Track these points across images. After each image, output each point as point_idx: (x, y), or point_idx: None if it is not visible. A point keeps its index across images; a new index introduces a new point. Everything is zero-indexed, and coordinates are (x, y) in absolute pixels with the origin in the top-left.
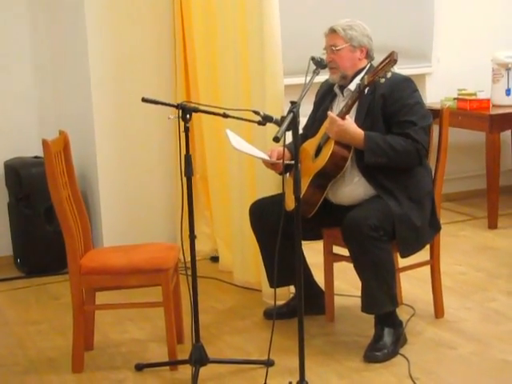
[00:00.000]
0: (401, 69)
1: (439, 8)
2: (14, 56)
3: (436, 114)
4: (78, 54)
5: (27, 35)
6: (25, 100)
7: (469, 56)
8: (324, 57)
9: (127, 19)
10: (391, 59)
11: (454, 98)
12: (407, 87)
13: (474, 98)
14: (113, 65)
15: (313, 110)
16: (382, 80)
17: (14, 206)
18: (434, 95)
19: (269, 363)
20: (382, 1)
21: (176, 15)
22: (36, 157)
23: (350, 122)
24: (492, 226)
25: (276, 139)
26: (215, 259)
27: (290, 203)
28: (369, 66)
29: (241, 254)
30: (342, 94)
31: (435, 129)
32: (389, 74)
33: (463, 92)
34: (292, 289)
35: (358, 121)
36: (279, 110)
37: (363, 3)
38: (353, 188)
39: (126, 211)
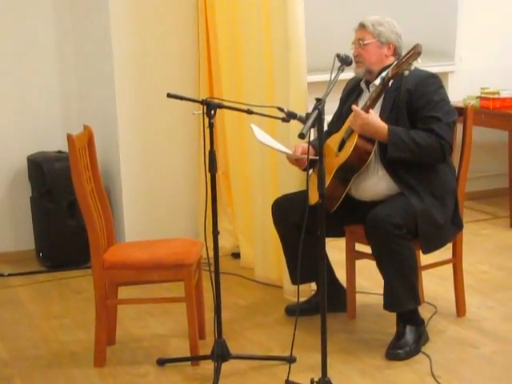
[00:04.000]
0: (423, 67)
1: (462, 6)
2: (38, 51)
3: (459, 112)
4: (102, 49)
5: (52, 31)
6: (48, 95)
7: (492, 55)
8: (351, 52)
9: (151, 14)
10: (415, 51)
11: (477, 97)
12: (433, 83)
13: (496, 96)
14: (136, 60)
15: (339, 106)
16: (406, 72)
17: (37, 200)
18: (456, 94)
19: (291, 359)
20: None
21: (200, 10)
22: (59, 151)
23: (373, 116)
24: None
25: (301, 136)
26: (236, 255)
27: (313, 198)
28: (396, 62)
29: (262, 251)
30: (368, 89)
31: (459, 127)
32: (413, 67)
33: (486, 91)
34: (313, 286)
35: (383, 115)
36: (303, 106)
37: (388, 1)
38: (375, 182)
39: (148, 207)
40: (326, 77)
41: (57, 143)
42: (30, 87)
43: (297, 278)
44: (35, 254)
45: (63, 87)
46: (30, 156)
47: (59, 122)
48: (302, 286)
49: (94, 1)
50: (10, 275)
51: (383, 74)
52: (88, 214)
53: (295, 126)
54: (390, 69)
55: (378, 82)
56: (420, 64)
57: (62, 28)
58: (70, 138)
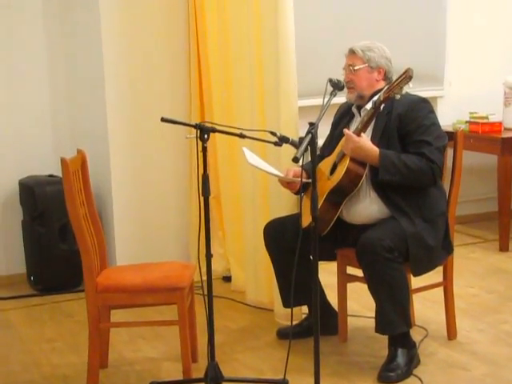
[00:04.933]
0: (412, 92)
1: (451, 32)
2: (29, 75)
3: (449, 136)
4: (94, 73)
5: (44, 54)
6: (40, 119)
7: (480, 79)
8: (342, 78)
9: (143, 39)
10: (406, 75)
11: (466, 121)
12: (423, 108)
13: (485, 121)
14: (128, 84)
15: (330, 131)
16: (398, 96)
17: (29, 223)
18: (445, 118)
19: (284, 382)
20: (396, 24)
21: (191, 36)
22: (50, 175)
23: (365, 139)
24: (503, 248)
25: (295, 159)
26: (227, 279)
27: (305, 221)
28: (387, 86)
29: (254, 274)
30: (360, 114)
31: (449, 151)
32: (404, 91)
33: (475, 115)
34: (304, 309)
35: (374, 139)
36: (294, 131)
37: (377, 27)
38: (367, 206)
39: (140, 230)
40: (316, 101)
41: (48, 167)
42: (21, 111)
43: (288, 301)
44: (26, 278)
45: (54, 111)
46: (22, 180)
47: (50, 145)
48: (293, 310)
49: (87, 26)
50: (1, 299)
51: (375, 98)
52: (81, 238)
53: (286, 150)
54: (381, 93)
55: (369, 106)
56: (410, 88)
57: (54, 52)
58: (63, 161)
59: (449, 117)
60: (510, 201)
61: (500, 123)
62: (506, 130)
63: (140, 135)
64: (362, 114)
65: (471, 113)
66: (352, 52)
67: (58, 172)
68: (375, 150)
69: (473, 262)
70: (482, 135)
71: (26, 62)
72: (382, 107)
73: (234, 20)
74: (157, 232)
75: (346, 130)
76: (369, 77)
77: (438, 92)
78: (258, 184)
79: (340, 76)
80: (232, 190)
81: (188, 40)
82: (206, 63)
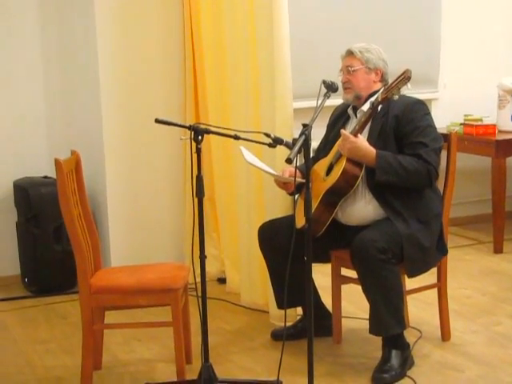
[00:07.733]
0: (407, 94)
1: (446, 35)
2: (24, 76)
3: (444, 138)
4: (89, 75)
5: (37, 55)
6: (34, 120)
7: (475, 82)
8: (338, 79)
9: (138, 40)
10: (405, 76)
11: (461, 124)
12: (420, 109)
13: (480, 123)
14: (123, 86)
15: (325, 133)
16: (396, 97)
17: (23, 225)
18: (440, 120)
19: (278, 383)
20: (391, 28)
21: (186, 38)
22: (45, 177)
23: (362, 140)
24: (497, 250)
25: (289, 160)
26: (222, 281)
27: (300, 222)
28: (382, 89)
29: (248, 276)
30: (356, 115)
31: (443, 153)
32: (402, 92)
33: (469, 117)
34: (299, 310)
35: (371, 140)
36: (289, 132)
37: (372, 30)
38: (362, 207)
39: (134, 231)
40: (311, 103)
41: (43, 168)
42: (16, 112)
43: (283, 302)
44: (20, 280)
45: (49, 112)
46: (16, 181)
47: (45, 147)
48: (288, 311)
49: (81, 26)
50: None
51: (372, 99)
52: (75, 239)
53: (281, 152)
54: (379, 93)
55: (365, 107)
56: (408, 90)
57: (48, 53)
58: (57, 162)
59: (443, 119)
60: (504, 203)
61: (494, 125)
62: (500, 132)
63: (135, 136)
64: (358, 115)
65: (466, 115)
66: (350, 53)
67: (52, 173)
68: (372, 150)
69: (467, 264)
70: (477, 137)
71: (20, 64)
72: (379, 108)
73: (229, 21)
74: (151, 233)
75: (342, 131)
76: (366, 78)
77: (432, 94)
78: (253, 185)
79: (335, 78)
80: (227, 191)
81: (183, 41)
82: (201, 65)
